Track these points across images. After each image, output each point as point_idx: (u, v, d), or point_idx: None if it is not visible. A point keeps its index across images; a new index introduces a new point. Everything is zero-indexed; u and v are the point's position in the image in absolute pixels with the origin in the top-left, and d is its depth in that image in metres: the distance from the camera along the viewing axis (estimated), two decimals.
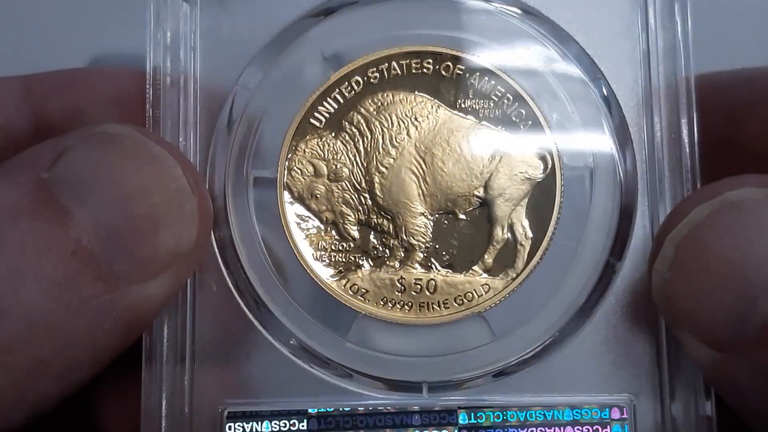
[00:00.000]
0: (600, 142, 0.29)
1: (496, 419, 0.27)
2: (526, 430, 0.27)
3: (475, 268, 0.28)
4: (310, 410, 0.27)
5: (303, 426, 0.27)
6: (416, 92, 0.29)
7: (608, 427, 0.28)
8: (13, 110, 0.29)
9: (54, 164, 0.25)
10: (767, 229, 0.24)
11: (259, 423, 0.27)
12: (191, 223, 0.26)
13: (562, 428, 0.27)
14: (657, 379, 0.28)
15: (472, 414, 0.27)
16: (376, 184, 0.29)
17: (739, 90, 0.31)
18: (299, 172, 0.29)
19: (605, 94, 0.29)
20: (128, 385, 0.28)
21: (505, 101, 0.29)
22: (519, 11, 0.30)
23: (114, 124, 0.26)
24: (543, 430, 0.27)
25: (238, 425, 0.27)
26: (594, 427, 0.28)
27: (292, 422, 0.27)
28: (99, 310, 0.24)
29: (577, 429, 0.27)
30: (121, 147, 0.25)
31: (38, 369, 0.24)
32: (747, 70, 0.31)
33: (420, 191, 0.29)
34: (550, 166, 0.29)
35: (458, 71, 0.29)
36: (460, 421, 0.27)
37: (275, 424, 0.27)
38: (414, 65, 0.29)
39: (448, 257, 0.29)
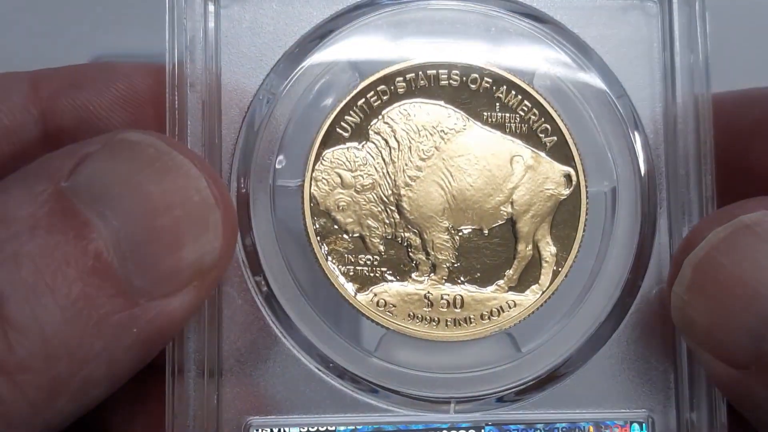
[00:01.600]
0: (623, 159, 0.30)
1: None
2: None
3: (501, 284, 0.29)
4: (337, 429, 0.27)
5: None
6: (443, 104, 0.29)
7: None
8: (21, 111, 0.28)
9: (73, 173, 0.24)
10: None
11: None
12: (215, 236, 0.25)
13: None
14: (675, 394, 0.29)
15: (500, 430, 0.28)
16: (404, 198, 0.29)
17: (748, 110, 0.32)
18: (325, 182, 0.29)
19: (629, 111, 0.30)
20: (146, 398, 0.28)
21: (532, 116, 0.30)
22: (547, 27, 0.30)
23: (136, 132, 0.26)
24: None
25: None
26: None
27: None
28: (118, 326, 0.24)
29: None
30: (144, 157, 0.25)
31: (55, 387, 0.23)
32: (757, 89, 0.32)
33: (447, 205, 0.29)
34: (575, 183, 0.29)
35: (486, 84, 0.30)
36: None
37: None
38: (442, 76, 0.29)
39: (475, 273, 0.29)
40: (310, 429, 0.27)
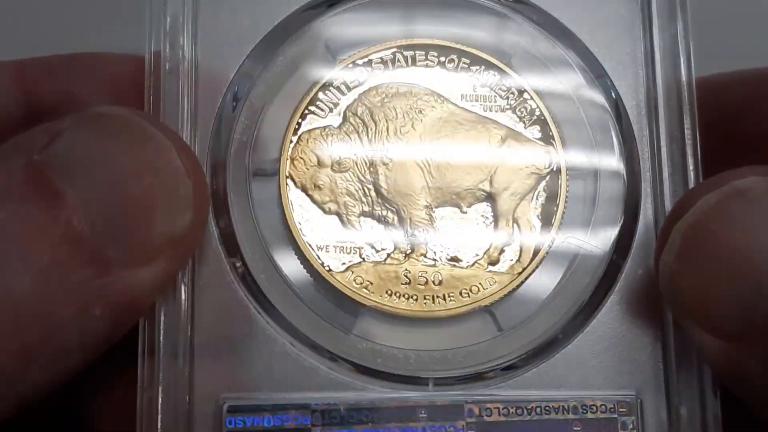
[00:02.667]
0: (605, 139, 0.30)
1: (502, 414, 0.28)
2: (532, 425, 0.28)
3: (481, 261, 0.29)
4: (313, 404, 0.27)
5: (306, 421, 0.27)
6: (421, 84, 0.30)
7: (614, 422, 0.28)
8: (5, 94, 0.29)
9: (47, 146, 0.25)
10: None
11: (261, 417, 0.27)
12: (186, 206, 0.26)
13: (568, 424, 0.28)
14: (663, 374, 0.29)
15: (479, 409, 0.28)
16: (381, 176, 0.29)
17: (739, 88, 0.32)
18: (302, 162, 0.29)
19: (609, 91, 0.31)
20: (121, 382, 0.28)
21: (510, 96, 0.30)
22: (526, 8, 0.31)
23: (109, 106, 0.27)
24: (549, 425, 0.28)
25: (239, 419, 0.27)
26: (601, 423, 0.28)
27: (294, 416, 0.27)
28: (89, 295, 0.24)
29: (584, 425, 0.28)
30: (114, 127, 0.26)
31: (26, 356, 0.24)
32: (747, 70, 0.32)
33: (425, 184, 0.29)
34: (555, 160, 0.30)
35: (463, 65, 0.30)
36: (467, 416, 0.28)
37: (277, 418, 0.27)
38: (419, 57, 0.30)
39: (453, 250, 0.29)
40: (285, 405, 0.27)
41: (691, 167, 0.30)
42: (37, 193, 0.24)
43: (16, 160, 0.25)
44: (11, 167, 0.25)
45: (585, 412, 0.28)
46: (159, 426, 0.27)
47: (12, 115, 0.29)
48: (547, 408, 0.28)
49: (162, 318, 0.28)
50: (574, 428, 0.28)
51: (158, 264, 0.25)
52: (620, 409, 0.28)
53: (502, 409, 0.28)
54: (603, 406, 0.28)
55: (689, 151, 0.30)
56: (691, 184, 0.30)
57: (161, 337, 0.27)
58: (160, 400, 0.27)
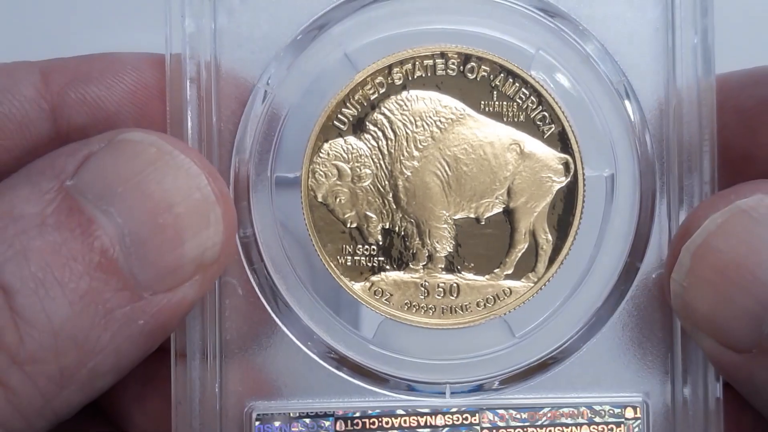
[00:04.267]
0: (622, 145, 0.31)
1: (516, 419, 0.30)
2: (545, 429, 0.30)
3: (497, 272, 0.30)
4: (336, 411, 0.29)
5: (330, 427, 0.29)
6: (440, 93, 0.30)
7: (622, 426, 0.30)
8: (32, 105, 0.30)
9: (77, 171, 0.26)
10: None
11: (288, 424, 0.29)
12: (216, 232, 0.27)
13: (579, 428, 0.30)
14: (670, 378, 0.30)
15: (494, 414, 0.30)
16: (400, 188, 0.30)
17: (754, 89, 0.32)
18: (323, 174, 0.30)
19: (627, 96, 0.31)
20: (155, 379, 0.30)
21: (529, 104, 0.31)
22: (543, 11, 0.31)
23: (137, 132, 0.28)
24: (561, 429, 0.30)
25: (267, 426, 0.29)
26: (609, 426, 0.30)
27: (320, 423, 0.29)
28: (124, 319, 0.26)
29: (593, 428, 0.30)
30: (146, 156, 0.27)
31: (63, 378, 0.25)
32: (762, 68, 0.32)
33: (444, 195, 0.30)
34: (572, 171, 0.30)
35: (483, 73, 0.31)
36: (482, 422, 0.30)
37: (302, 424, 0.29)
38: (439, 65, 0.30)
39: (471, 261, 0.30)
40: (310, 413, 0.29)
41: (707, 171, 0.30)
42: (71, 221, 0.25)
43: (47, 185, 0.26)
44: (43, 193, 0.26)
45: (594, 415, 0.30)
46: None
47: (40, 127, 0.30)
48: (559, 413, 0.30)
49: (190, 328, 0.29)
50: (583, 430, 0.30)
51: (189, 288, 0.27)
52: (627, 412, 0.30)
53: (516, 414, 0.30)
54: (611, 409, 0.30)
55: (706, 154, 0.30)
56: (707, 189, 0.30)
57: (192, 347, 0.29)
58: (192, 408, 0.29)
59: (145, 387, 0.32)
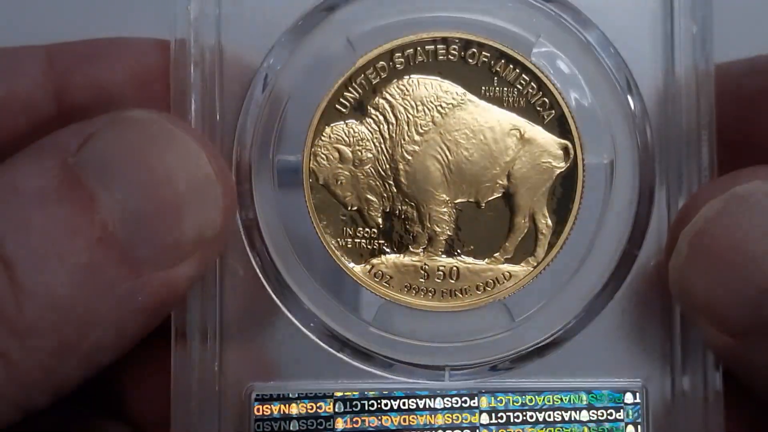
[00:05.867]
0: (622, 131, 0.32)
1: (515, 403, 0.30)
2: (543, 413, 0.30)
3: (497, 255, 0.31)
4: (336, 394, 0.30)
5: (329, 409, 0.30)
6: (442, 79, 0.31)
7: (621, 410, 0.30)
8: (37, 86, 0.30)
9: (80, 149, 0.27)
10: None
11: (287, 405, 0.30)
12: (215, 210, 0.28)
13: (578, 412, 0.30)
14: (669, 363, 0.31)
15: (493, 398, 0.30)
16: (401, 171, 0.31)
17: (754, 77, 0.33)
18: (324, 157, 0.31)
19: (627, 83, 0.32)
20: (155, 359, 0.31)
21: (530, 90, 0.31)
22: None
23: (141, 111, 0.28)
24: (560, 413, 0.30)
25: (266, 407, 0.29)
26: (608, 411, 0.31)
27: (318, 404, 0.30)
28: (124, 294, 0.26)
29: (592, 413, 0.30)
30: (148, 133, 0.27)
31: (63, 352, 0.26)
32: (763, 56, 0.33)
33: (444, 179, 0.31)
34: (572, 155, 0.31)
35: (484, 58, 0.31)
36: (481, 405, 0.30)
37: (302, 406, 0.30)
38: (440, 51, 0.31)
39: (470, 245, 0.31)
40: (309, 394, 0.30)
41: (705, 159, 0.31)
42: (73, 196, 0.26)
43: (50, 162, 0.27)
44: (46, 169, 0.26)
45: (593, 399, 0.31)
46: (193, 412, 0.29)
47: (45, 108, 0.31)
48: (557, 396, 0.31)
49: (191, 309, 0.30)
50: (583, 416, 0.30)
51: (188, 265, 0.27)
52: (626, 397, 0.31)
53: (515, 397, 0.30)
54: (610, 395, 0.31)
55: (705, 142, 0.31)
56: (706, 176, 0.31)
57: (192, 328, 0.30)
58: (192, 388, 0.29)
59: (144, 372, 0.32)
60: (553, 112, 0.31)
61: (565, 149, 0.31)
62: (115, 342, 0.27)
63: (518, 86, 0.31)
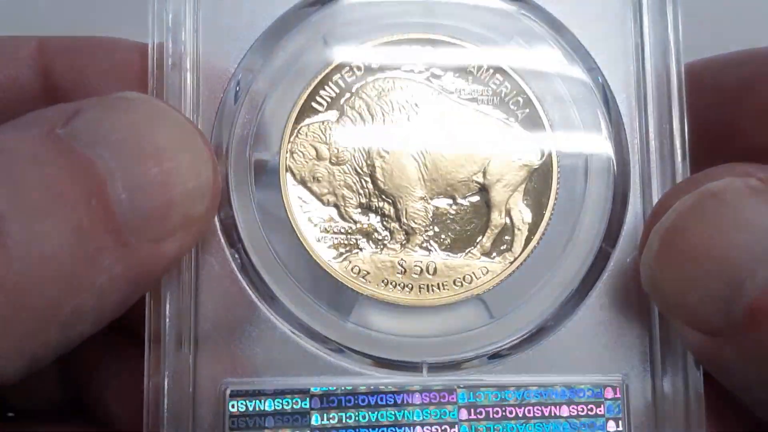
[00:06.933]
0: (595, 130, 0.32)
1: (494, 398, 0.30)
2: (523, 408, 0.30)
3: (474, 251, 0.31)
4: (312, 389, 0.30)
5: (305, 404, 0.29)
6: (417, 78, 0.32)
7: (602, 405, 0.30)
8: (26, 66, 0.31)
9: (69, 121, 0.27)
10: (746, 218, 0.27)
11: (262, 401, 0.29)
12: (206, 189, 0.28)
13: (557, 407, 0.30)
14: (648, 358, 0.31)
15: (471, 393, 0.30)
16: (378, 168, 0.31)
17: (735, 70, 0.34)
18: (301, 155, 0.31)
19: (600, 84, 0.32)
20: (126, 368, 0.30)
21: (503, 89, 0.32)
22: (515, 2, 0.32)
23: (131, 92, 0.28)
24: (539, 408, 0.30)
25: (241, 403, 0.29)
26: (588, 406, 0.30)
27: (294, 401, 0.29)
28: (109, 261, 0.26)
29: (572, 408, 0.30)
30: (143, 109, 0.28)
31: (47, 313, 0.25)
32: (744, 51, 0.34)
33: (420, 176, 0.31)
34: (547, 152, 0.32)
35: (458, 58, 0.32)
36: (459, 400, 0.30)
37: (278, 402, 0.29)
38: (416, 51, 0.32)
39: (447, 241, 0.31)
40: (285, 390, 0.30)
41: (679, 157, 0.32)
42: (64, 159, 0.26)
43: (37, 130, 0.26)
44: (33, 136, 0.26)
45: (573, 395, 0.31)
46: (165, 411, 0.29)
47: (31, 87, 0.31)
48: (536, 392, 0.30)
49: (167, 306, 0.30)
50: (562, 411, 0.30)
51: (173, 242, 0.27)
52: (606, 392, 0.31)
53: (493, 393, 0.30)
54: (590, 390, 0.31)
55: (677, 141, 0.32)
56: (679, 175, 0.31)
57: (166, 326, 0.30)
58: (165, 386, 0.29)
59: (118, 372, 0.32)
60: (528, 109, 0.32)
61: (540, 146, 0.32)
62: (96, 311, 0.26)
63: (492, 85, 0.32)
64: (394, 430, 0.30)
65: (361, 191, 0.31)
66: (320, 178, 0.31)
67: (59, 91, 0.31)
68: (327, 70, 0.32)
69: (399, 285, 0.31)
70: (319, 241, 0.31)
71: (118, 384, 0.32)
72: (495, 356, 0.31)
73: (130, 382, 0.31)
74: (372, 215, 0.32)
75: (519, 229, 0.32)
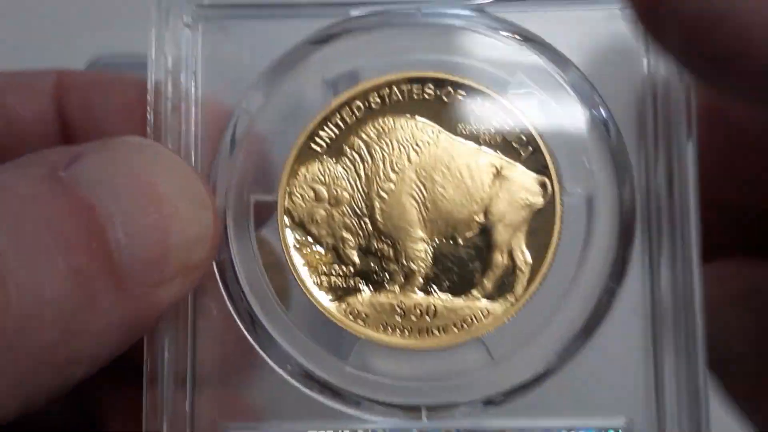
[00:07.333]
0: (600, 167, 0.32)
1: None
2: None
3: (475, 293, 0.31)
4: None
5: None
6: (417, 118, 0.31)
7: None
8: (47, 101, 0.32)
9: (70, 165, 0.27)
10: None
11: None
12: (205, 236, 0.28)
13: None
14: (654, 401, 0.30)
15: None
16: (377, 210, 0.31)
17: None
18: (300, 197, 0.31)
19: (604, 119, 0.32)
20: (127, 406, 0.30)
21: (506, 127, 0.31)
22: (519, 37, 0.32)
23: (134, 137, 0.29)
24: None
25: None
26: None
27: None
28: (107, 305, 0.26)
29: None
30: (144, 155, 0.28)
31: (41, 357, 0.25)
32: None
33: (420, 217, 0.31)
34: (550, 192, 0.31)
35: (459, 97, 0.32)
36: None
37: None
38: (415, 91, 0.32)
39: (448, 282, 0.31)
40: None
41: (686, 193, 0.31)
42: (65, 200, 0.26)
43: (39, 171, 0.27)
44: (35, 177, 0.26)
45: None
46: None
47: (49, 124, 0.32)
48: None
49: (165, 350, 0.30)
50: None
51: (171, 287, 0.28)
52: None
53: None
54: None
55: (684, 176, 0.31)
56: (687, 210, 0.31)
57: (164, 369, 0.30)
58: (164, 429, 0.29)
59: (117, 413, 0.32)
60: (530, 148, 0.32)
61: (543, 185, 0.31)
62: (92, 354, 0.26)
63: (495, 123, 0.32)
64: None
65: (360, 233, 0.31)
66: (319, 220, 0.31)
67: (70, 129, 0.32)
68: (326, 111, 0.32)
69: (398, 328, 0.31)
70: (317, 283, 0.31)
71: (122, 418, 0.32)
72: (495, 400, 0.31)
73: (132, 415, 0.31)
74: (371, 257, 0.31)
75: (521, 270, 0.31)
